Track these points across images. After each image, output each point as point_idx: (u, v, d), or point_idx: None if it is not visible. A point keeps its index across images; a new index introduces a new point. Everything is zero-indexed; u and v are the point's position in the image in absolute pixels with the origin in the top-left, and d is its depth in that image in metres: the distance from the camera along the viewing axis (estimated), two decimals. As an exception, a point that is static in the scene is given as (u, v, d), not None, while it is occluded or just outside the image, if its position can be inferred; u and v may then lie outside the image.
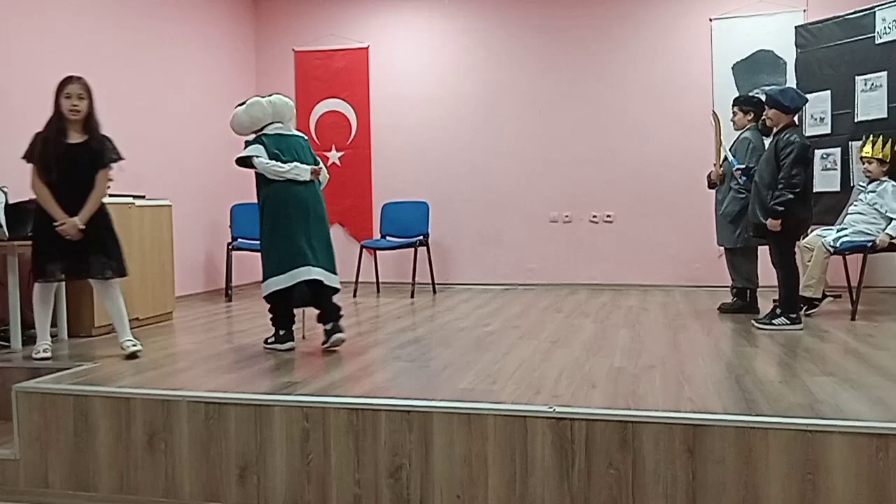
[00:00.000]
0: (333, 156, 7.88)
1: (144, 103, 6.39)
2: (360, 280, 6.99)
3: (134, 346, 4.12)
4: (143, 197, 5.36)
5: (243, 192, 7.66)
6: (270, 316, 4.29)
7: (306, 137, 4.40)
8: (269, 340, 4.30)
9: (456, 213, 7.58)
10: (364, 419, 2.99)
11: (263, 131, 4.19)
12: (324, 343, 4.16)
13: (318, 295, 4.18)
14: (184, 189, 6.70)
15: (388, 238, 7.31)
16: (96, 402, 3.31)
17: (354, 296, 6.79)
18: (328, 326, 4.15)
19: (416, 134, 7.72)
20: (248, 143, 4.19)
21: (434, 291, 7.07)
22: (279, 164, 4.06)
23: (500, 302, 6.31)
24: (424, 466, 2.91)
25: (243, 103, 4.28)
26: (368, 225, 7.72)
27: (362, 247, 7.12)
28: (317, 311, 4.25)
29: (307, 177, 4.10)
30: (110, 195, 5.06)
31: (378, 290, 7.20)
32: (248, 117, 4.20)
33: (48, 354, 4.08)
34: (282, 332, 4.24)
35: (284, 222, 4.07)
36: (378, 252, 7.30)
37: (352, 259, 7.11)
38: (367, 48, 7.80)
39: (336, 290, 4.22)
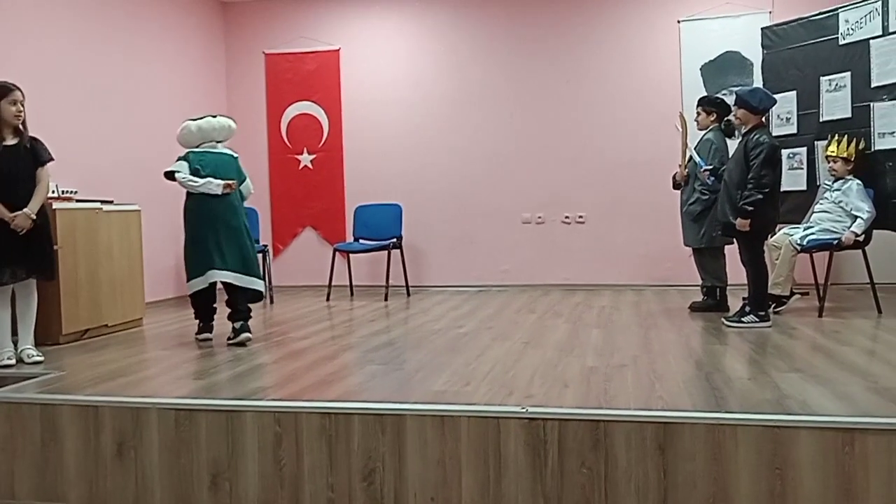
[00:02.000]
0: (305, 159, 7.85)
1: (113, 108, 6.31)
2: (333, 283, 6.96)
3: (39, 357, 4.13)
4: (111, 202, 5.29)
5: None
6: (193, 311, 4.80)
7: (236, 156, 4.82)
8: (196, 332, 4.81)
9: (429, 216, 7.58)
10: (337, 423, 2.97)
11: (193, 149, 4.67)
12: (229, 339, 4.57)
13: (233, 296, 4.63)
14: (154, 193, 6.57)
15: (361, 241, 7.28)
16: (64, 411, 3.25)
17: (328, 299, 6.76)
18: (237, 325, 4.59)
19: (388, 136, 7.71)
20: (179, 158, 4.65)
21: (408, 294, 7.06)
22: (195, 179, 4.54)
23: (473, 303, 6.32)
24: (398, 469, 2.90)
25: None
26: (341, 228, 7.69)
27: (335, 250, 7.09)
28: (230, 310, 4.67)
29: (218, 191, 4.53)
30: (77, 200, 5.04)
31: (352, 294, 7.17)
32: (182, 139, 4.72)
33: (12, 362, 4.04)
34: (200, 325, 4.75)
35: (199, 231, 4.58)
36: (351, 255, 7.27)
37: (325, 262, 7.08)
38: (338, 50, 7.77)
39: (256, 293, 4.70)
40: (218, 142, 4.71)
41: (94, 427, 3.20)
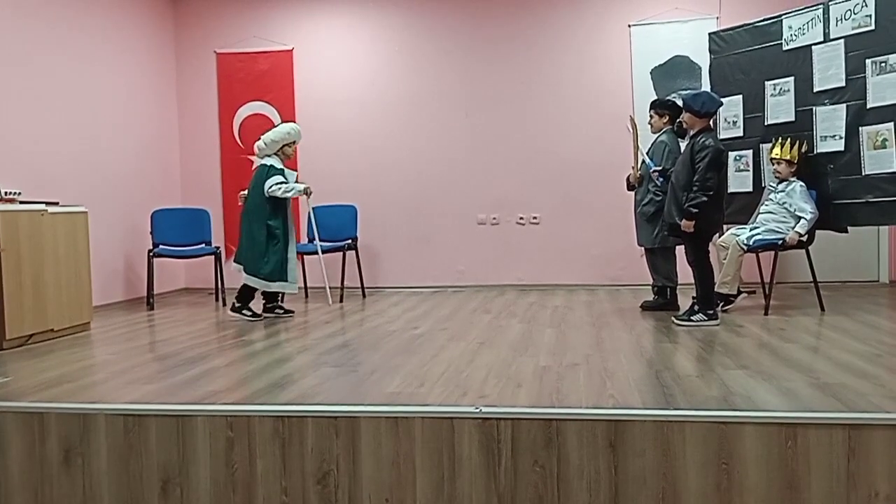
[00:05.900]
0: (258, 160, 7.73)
1: (58, 107, 6.15)
2: (287, 285, 6.89)
3: None
4: (56, 203, 5.16)
5: (165, 198, 7.48)
6: None
7: (266, 165, 5.72)
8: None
9: (385, 217, 7.57)
10: (290, 426, 2.95)
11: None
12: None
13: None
14: (102, 194, 6.48)
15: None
16: (7, 418, 3.16)
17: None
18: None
19: (343, 137, 7.67)
20: None
21: (363, 295, 7.04)
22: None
23: (429, 304, 6.33)
24: (352, 471, 2.90)
25: None
26: (296, 229, 7.59)
27: (289, 251, 7.01)
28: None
29: (241, 202, 5.83)
30: (21, 202, 4.90)
31: (306, 295, 7.12)
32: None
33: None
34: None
35: None
36: (306, 256, 7.21)
37: (279, 264, 7.00)
38: (291, 50, 7.71)
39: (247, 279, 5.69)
40: (277, 151, 5.77)
41: (40, 434, 3.12)
